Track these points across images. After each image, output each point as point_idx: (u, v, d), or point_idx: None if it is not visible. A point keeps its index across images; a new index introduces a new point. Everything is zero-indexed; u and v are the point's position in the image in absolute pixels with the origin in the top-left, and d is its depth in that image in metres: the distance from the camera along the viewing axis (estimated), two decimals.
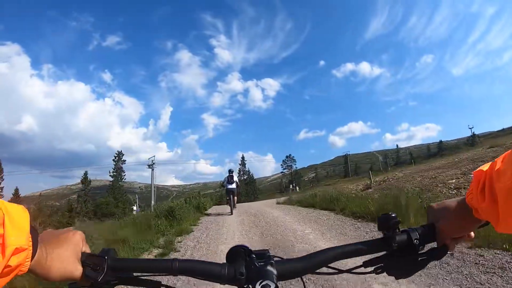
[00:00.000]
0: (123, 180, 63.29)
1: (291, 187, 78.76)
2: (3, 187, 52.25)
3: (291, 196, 21.17)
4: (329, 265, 0.66)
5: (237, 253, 0.61)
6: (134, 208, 27.55)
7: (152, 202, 34.23)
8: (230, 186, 13.13)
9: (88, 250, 0.62)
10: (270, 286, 0.54)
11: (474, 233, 0.65)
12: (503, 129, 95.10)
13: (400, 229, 0.65)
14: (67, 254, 0.56)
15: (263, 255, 0.60)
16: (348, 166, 77.96)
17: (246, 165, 78.78)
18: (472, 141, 74.23)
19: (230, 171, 13.67)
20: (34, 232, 0.49)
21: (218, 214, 13.63)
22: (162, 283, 0.65)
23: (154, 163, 39.22)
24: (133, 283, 0.65)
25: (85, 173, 63.09)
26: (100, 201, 56.50)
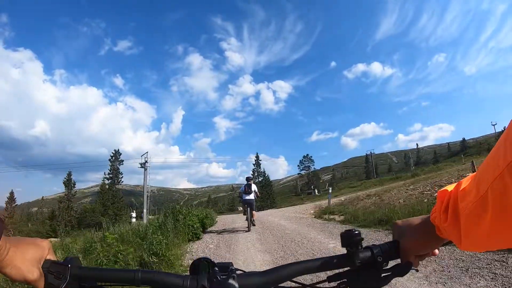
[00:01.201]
0: (120, 182, 54.63)
1: (312, 189, 74.05)
2: None
3: (329, 206, 16.15)
4: (292, 279, 0.66)
5: (200, 265, 0.61)
6: (133, 215, 23.83)
7: (145, 210, 29.22)
8: (247, 197, 10.60)
9: (53, 259, 0.61)
10: None
11: (438, 250, 0.67)
12: None
13: (363, 246, 0.65)
14: (30, 255, 0.56)
15: (226, 268, 0.61)
16: (372, 166, 72.27)
17: (260, 166, 70.05)
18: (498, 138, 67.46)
19: (248, 179, 11.20)
20: (0, 225, 0.49)
21: (227, 231, 10.73)
22: None
23: (147, 161, 33.68)
24: None
25: (69, 174, 52.62)
26: (84, 208, 50.31)
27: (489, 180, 0.42)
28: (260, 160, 70.17)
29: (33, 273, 0.56)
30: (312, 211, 17.00)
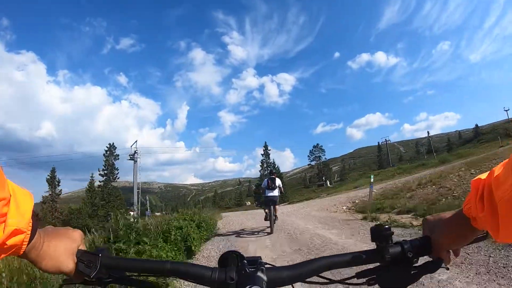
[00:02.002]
0: (116, 179, 47.90)
1: (324, 180, 69.70)
2: None
3: (370, 199, 12.27)
4: (320, 274, 0.65)
5: (229, 258, 0.62)
6: (133, 214, 20.33)
7: (134, 207, 25.36)
8: (270, 194, 8.94)
9: (85, 249, 0.63)
10: None
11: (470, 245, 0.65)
12: None
13: (394, 241, 0.64)
14: (63, 247, 0.58)
15: (255, 262, 0.61)
16: (387, 154, 67.60)
17: (270, 156, 62.50)
18: None
19: (271, 173, 10.29)
20: (35, 218, 0.51)
21: (237, 235, 8.95)
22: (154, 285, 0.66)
23: (136, 152, 29.36)
24: (125, 282, 0.66)
25: (52, 171, 45.97)
26: (69, 209, 43.31)
27: None
28: (269, 150, 62.57)
29: (69, 264, 0.58)
30: (345, 207, 13.33)
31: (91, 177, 47.15)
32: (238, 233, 9.22)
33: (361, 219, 9.13)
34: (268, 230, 8.54)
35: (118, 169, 49.07)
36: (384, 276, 0.63)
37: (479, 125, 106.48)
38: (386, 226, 0.63)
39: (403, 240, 0.64)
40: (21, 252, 0.50)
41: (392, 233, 0.63)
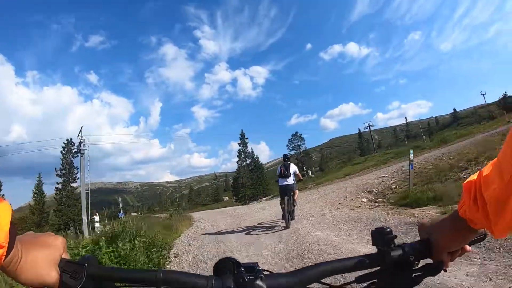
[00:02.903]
0: (76, 179, 39.50)
1: (305, 170, 66.11)
2: None
3: (410, 188, 8.29)
4: (321, 280, 0.63)
5: (225, 265, 0.58)
6: (97, 219, 16.27)
7: (84, 217, 20.48)
8: (284, 183, 7.52)
9: (68, 257, 0.59)
10: None
11: (469, 246, 0.64)
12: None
13: (395, 244, 0.62)
14: (44, 257, 0.53)
15: (253, 269, 0.57)
16: (371, 140, 64.86)
17: (247, 145, 53.07)
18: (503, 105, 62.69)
19: (286, 157, 8.22)
20: (13, 229, 0.47)
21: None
22: None
23: (82, 142, 23.35)
24: None
25: None
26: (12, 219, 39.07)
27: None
28: (246, 139, 53.38)
29: (51, 276, 0.52)
30: (366, 199, 9.55)
31: (38, 178, 40.90)
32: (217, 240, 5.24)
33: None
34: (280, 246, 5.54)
35: (77, 168, 41.02)
36: (385, 280, 0.62)
37: (456, 110, 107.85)
38: (388, 229, 0.61)
39: (403, 243, 0.62)
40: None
41: (395, 236, 0.61)
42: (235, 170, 53.74)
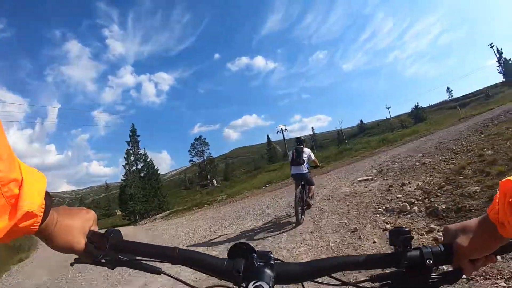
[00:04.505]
0: None
1: (209, 179, 59.02)
2: None
3: None
4: (332, 275, 0.62)
5: (239, 250, 0.60)
6: None
7: None
8: (296, 171, 6.58)
9: (97, 229, 0.64)
10: (263, 287, 0.53)
11: (496, 257, 0.58)
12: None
13: (413, 246, 0.59)
14: (75, 226, 0.58)
15: (265, 256, 0.59)
16: (284, 146, 62.17)
17: (139, 144, 40.19)
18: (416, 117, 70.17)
19: (299, 140, 6.99)
20: (48, 198, 0.50)
21: None
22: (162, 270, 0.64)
23: None
24: (133, 266, 0.64)
25: None
26: None
27: None
28: (138, 136, 40.19)
29: (79, 244, 0.58)
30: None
31: None
32: None
33: None
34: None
35: None
36: (399, 282, 0.59)
37: (351, 126, 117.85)
38: (406, 229, 0.59)
39: (423, 245, 0.59)
40: (34, 232, 0.50)
41: (412, 237, 0.58)
42: (123, 176, 39.21)
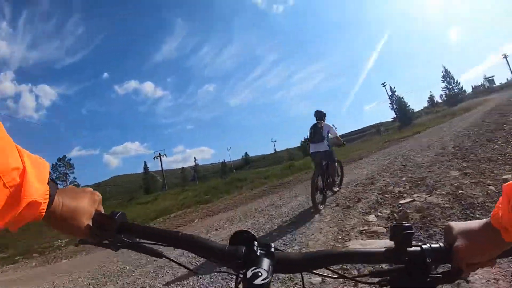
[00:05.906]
0: None
1: None
2: None
3: None
4: (331, 268, 0.62)
5: (241, 237, 0.60)
6: None
7: None
8: (314, 150, 5.95)
9: (102, 211, 0.64)
10: (261, 274, 0.53)
11: (496, 260, 0.57)
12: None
13: (414, 243, 0.59)
14: (81, 209, 0.58)
15: (265, 245, 0.59)
16: (163, 175, 55.58)
17: None
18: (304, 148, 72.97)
19: (318, 114, 6.24)
20: (52, 184, 0.50)
21: None
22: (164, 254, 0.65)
23: None
24: (136, 249, 0.64)
25: None
26: None
27: None
28: None
29: (86, 225, 0.58)
30: None
31: None
32: None
33: None
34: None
35: None
36: (398, 278, 0.58)
37: (234, 159, 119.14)
38: (408, 225, 0.57)
39: (423, 243, 0.58)
40: (40, 219, 0.50)
41: (413, 233, 0.57)
42: None
